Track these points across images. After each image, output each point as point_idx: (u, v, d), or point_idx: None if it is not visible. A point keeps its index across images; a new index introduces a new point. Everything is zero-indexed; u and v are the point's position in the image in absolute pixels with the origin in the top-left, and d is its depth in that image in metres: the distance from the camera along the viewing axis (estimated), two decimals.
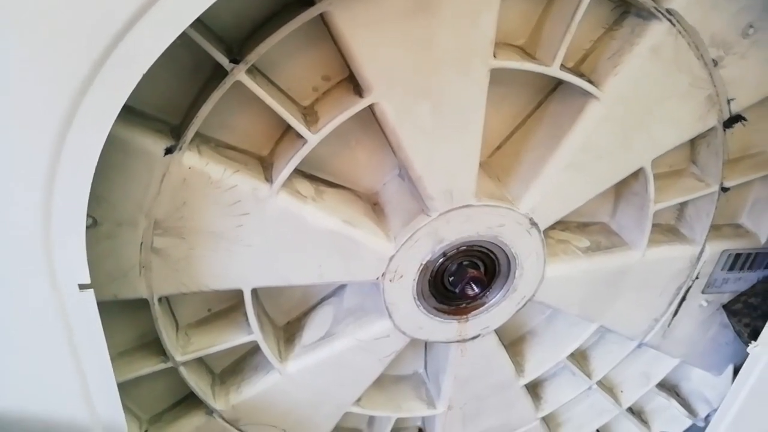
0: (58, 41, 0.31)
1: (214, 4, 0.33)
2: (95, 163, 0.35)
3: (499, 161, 0.55)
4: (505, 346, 0.66)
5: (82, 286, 0.37)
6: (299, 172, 0.49)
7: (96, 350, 0.41)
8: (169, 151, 0.42)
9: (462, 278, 0.54)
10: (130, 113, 0.41)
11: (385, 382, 0.68)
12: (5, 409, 0.41)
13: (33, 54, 0.31)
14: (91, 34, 0.32)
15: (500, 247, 0.54)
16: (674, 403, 0.79)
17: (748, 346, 0.64)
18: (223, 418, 0.58)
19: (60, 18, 0.31)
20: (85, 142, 0.34)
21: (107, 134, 0.35)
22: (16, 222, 0.35)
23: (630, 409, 0.79)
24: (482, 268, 0.55)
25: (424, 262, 0.52)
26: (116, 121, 0.35)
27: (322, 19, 0.41)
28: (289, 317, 0.60)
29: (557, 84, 0.53)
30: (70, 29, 0.31)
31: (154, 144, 0.41)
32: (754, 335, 0.65)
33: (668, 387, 0.81)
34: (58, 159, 0.34)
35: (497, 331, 0.63)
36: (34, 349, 0.39)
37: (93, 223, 0.42)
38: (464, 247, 0.53)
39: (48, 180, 0.34)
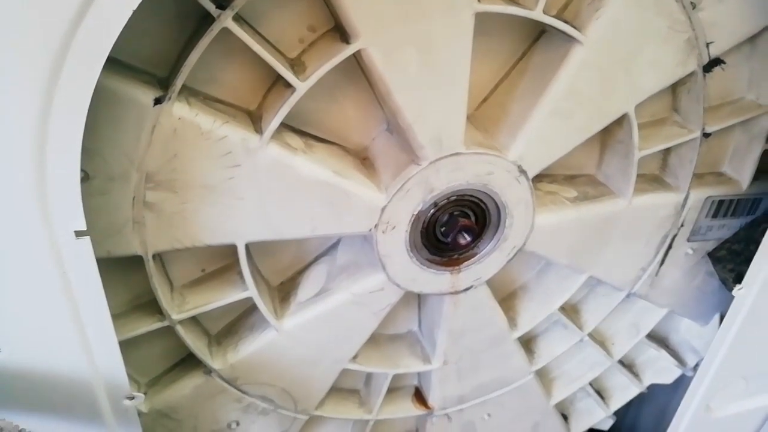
0: None
1: None
2: (86, 111, 0.35)
3: (486, 113, 0.56)
4: (498, 302, 0.67)
5: (78, 233, 0.37)
6: (288, 127, 0.50)
7: (94, 300, 0.41)
8: (158, 101, 0.42)
9: (453, 227, 0.54)
10: (118, 65, 0.41)
11: (380, 341, 0.68)
12: (6, 361, 0.41)
13: (16, 5, 0.31)
14: None
15: (490, 195, 0.55)
16: (664, 354, 0.81)
17: (731, 290, 0.66)
18: (222, 378, 0.59)
19: None
20: (74, 91, 0.35)
21: (95, 84, 0.35)
22: (11, 173, 0.35)
23: (621, 363, 0.81)
24: (473, 218, 0.56)
25: (415, 213, 0.53)
26: (105, 72, 0.35)
27: None
28: (283, 277, 0.61)
29: (540, 33, 0.53)
30: None
31: (143, 94, 0.41)
32: (739, 280, 0.67)
33: (658, 339, 0.82)
34: (49, 110, 0.34)
35: (490, 287, 0.64)
36: (33, 301, 0.40)
37: (85, 177, 0.42)
38: (454, 197, 0.54)
39: (40, 131, 0.34)
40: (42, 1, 0.31)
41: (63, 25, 0.33)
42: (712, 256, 0.71)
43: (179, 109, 0.43)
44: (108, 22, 0.33)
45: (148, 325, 0.53)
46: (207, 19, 0.42)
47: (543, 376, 0.79)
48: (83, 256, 0.39)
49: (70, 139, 0.35)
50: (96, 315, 0.42)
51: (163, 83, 0.43)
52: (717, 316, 0.79)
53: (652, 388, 0.84)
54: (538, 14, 0.47)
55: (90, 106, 0.35)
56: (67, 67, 0.34)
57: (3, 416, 0.44)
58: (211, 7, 0.40)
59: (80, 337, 0.42)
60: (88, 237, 0.38)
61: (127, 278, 0.52)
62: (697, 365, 0.81)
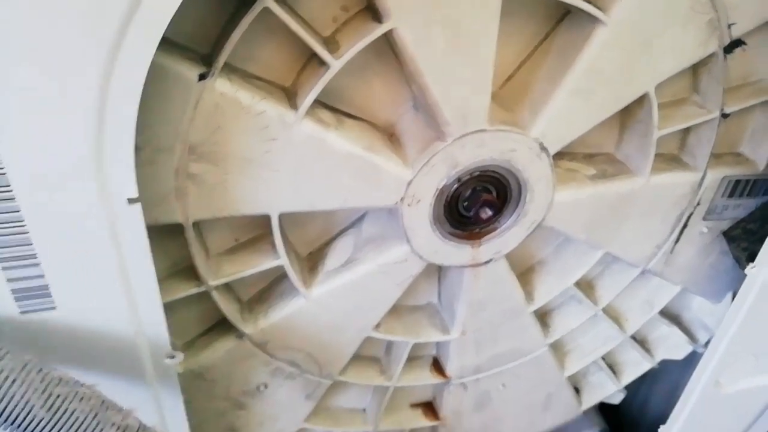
0: None
1: None
2: (141, 86, 0.38)
3: (510, 91, 0.57)
4: (516, 277, 0.70)
5: (130, 200, 0.40)
6: (321, 103, 0.52)
7: (142, 263, 0.44)
8: (202, 77, 0.44)
9: (476, 202, 0.57)
10: (166, 43, 0.43)
11: (401, 311, 0.71)
12: (61, 317, 0.44)
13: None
14: None
15: (512, 172, 0.57)
16: (676, 330, 0.83)
17: (744, 269, 0.68)
18: (253, 342, 0.62)
19: None
20: (131, 69, 0.37)
21: (150, 62, 0.38)
22: (73, 142, 0.38)
23: (634, 338, 0.83)
24: (495, 194, 0.58)
25: (440, 187, 0.55)
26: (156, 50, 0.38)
27: None
28: (312, 248, 0.64)
29: (564, 14, 0.55)
30: None
31: (189, 70, 0.44)
32: (752, 258, 0.69)
33: (670, 316, 0.84)
34: (108, 85, 0.37)
35: (509, 261, 0.67)
36: (87, 262, 0.43)
37: (135, 148, 0.45)
38: (477, 173, 0.56)
39: (101, 104, 0.37)
40: None
41: (123, 7, 0.35)
42: (727, 234, 0.73)
43: (221, 85, 0.45)
44: (162, 6, 0.36)
45: (186, 290, 0.56)
46: (248, 1, 0.44)
47: (557, 349, 0.81)
48: (134, 222, 0.42)
49: (127, 112, 0.38)
50: (143, 277, 0.45)
51: (206, 60, 0.46)
52: (729, 295, 0.81)
53: (664, 365, 0.86)
54: None
55: None
56: (126, 46, 0.36)
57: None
58: None
59: (128, 297, 0.46)
60: (140, 204, 0.41)
61: (167, 246, 0.55)
62: (708, 342, 0.83)
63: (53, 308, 0.44)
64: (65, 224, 0.41)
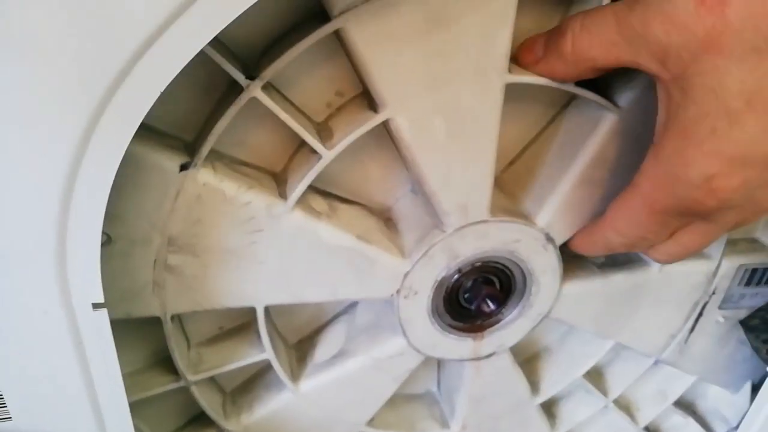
0: (77, 62, 0.31)
1: (230, 22, 0.33)
2: (111, 180, 0.35)
3: (513, 176, 0.55)
4: (519, 364, 0.65)
5: (95, 305, 0.37)
6: (312, 188, 0.49)
7: (108, 371, 0.40)
8: (184, 167, 0.41)
9: (477, 294, 0.53)
10: (145, 130, 0.41)
11: (397, 401, 0.67)
12: (17, 428, 0.40)
13: (51, 75, 0.31)
14: (109, 55, 0.31)
15: (516, 263, 0.53)
16: (691, 421, 0.78)
17: (766, 362, 0.63)
18: None
19: (78, 39, 0.31)
20: (102, 159, 0.34)
21: (124, 151, 0.35)
22: (30, 239, 0.35)
23: (646, 429, 0.78)
24: (498, 285, 0.55)
25: (438, 279, 0.52)
26: (132, 138, 0.35)
27: (337, 36, 0.41)
28: (301, 335, 0.60)
29: (570, 99, 0.52)
30: (89, 50, 0.31)
31: (169, 160, 0.41)
32: None
33: (685, 405, 0.79)
34: (75, 176, 0.34)
35: (513, 348, 0.62)
36: (46, 369, 0.39)
37: (107, 240, 0.42)
38: (479, 263, 0.53)
39: (65, 198, 0.34)
40: (82, 68, 0.31)
41: (98, 94, 0.32)
42: (745, 324, 0.69)
43: (204, 175, 0.42)
44: (141, 94, 0.33)
45: (163, 386, 0.52)
46: (236, 86, 0.41)
47: None
48: (100, 328, 0.38)
49: (94, 206, 0.35)
50: (109, 385, 0.41)
51: (189, 148, 0.43)
52: (749, 384, 0.76)
53: None
54: (569, 85, 0.46)
55: None
56: (98, 135, 0.33)
57: None
58: (241, 78, 0.40)
59: (92, 406, 0.41)
60: (105, 309, 0.37)
61: (144, 335, 0.52)
62: None
63: (8, 419, 0.40)
64: (22, 328, 0.37)
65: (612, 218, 0.48)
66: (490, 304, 0.53)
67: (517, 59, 0.46)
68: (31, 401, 0.40)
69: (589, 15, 0.41)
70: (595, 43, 0.41)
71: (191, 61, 0.33)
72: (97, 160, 0.34)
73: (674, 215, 0.44)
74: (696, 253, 0.49)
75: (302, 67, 0.44)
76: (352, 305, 0.59)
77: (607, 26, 0.40)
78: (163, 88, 0.34)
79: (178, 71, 0.33)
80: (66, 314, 0.36)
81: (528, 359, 0.69)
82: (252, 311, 0.51)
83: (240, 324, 0.56)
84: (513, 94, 0.47)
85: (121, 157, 0.35)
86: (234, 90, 0.42)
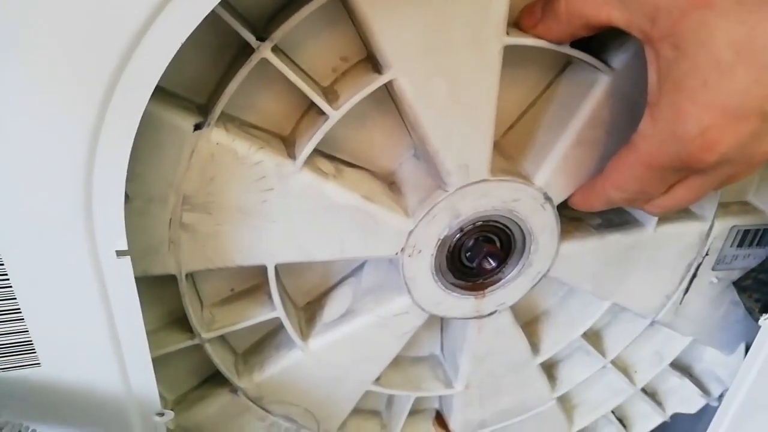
0: (96, 28, 0.33)
1: None
2: (132, 137, 0.37)
3: (513, 140, 0.57)
4: (521, 327, 0.68)
5: (119, 252, 0.39)
6: (319, 152, 0.51)
7: (131, 318, 0.42)
8: (198, 127, 0.43)
9: (479, 252, 0.55)
10: (161, 92, 0.43)
11: (402, 363, 0.69)
12: (45, 375, 0.42)
13: (74, 43, 0.33)
14: (125, 19, 0.33)
15: (516, 222, 0.55)
16: (687, 382, 0.80)
17: (759, 320, 0.65)
18: (248, 396, 0.60)
19: (95, 6, 0.32)
20: (122, 119, 0.36)
21: (142, 111, 0.37)
22: (60, 193, 0.37)
23: (644, 390, 0.80)
24: (498, 244, 0.57)
25: (441, 237, 0.54)
26: (149, 100, 0.37)
27: (342, 1, 0.43)
28: (309, 297, 0.62)
29: (566, 63, 0.54)
30: (105, 16, 0.33)
31: (184, 120, 0.43)
32: (765, 310, 0.67)
33: (681, 367, 0.82)
34: (98, 135, 0.36)
35: (514, 312, 0.65)
36: (73, 317, 0.41)
37: (126, 198, 0.44)
38: (480, 222, 0.55)
39: (89, 155, 0.36)
40: (100, 34, 0.33)
41: (115, 57, 0.34)
42: (738, 285, 0.71)
43: (217, 135, 0.44)
44: (156, 56, 0.35)
45: (178, 343, 0.54)
46: (246, 49, 0.43)
47: (565, 402, 0.78)
48: (123, 275, 0.40)
49: (117, 163, 0.37)
50: (132, 332, 0.43)
51: (202, 110, 0.45)
52: (743, 345, 0.78)
53: (676, 417, 0.83)
54: (565, 47, 0.48)
55: None
56: (117, 96, 0.35)
57: (38, 427, 0.46)
58: (252, 39, 0.42)
59: (116, 353, 0.44)
60: (129, 256, 0.40)
61: (160, 295, 0.54)
62: (721, 395, 0.80)
63: (38, 365, 0.42)
64: (51, 277, 0.39)
65: (612, 175, 0.50)
66: (491, 261, 0.55)
67: (518, 24, 0.48)
68: (59, 349, 0.42)
69: None
70: (589, 3, 0.43)
71: (202, 24, 0.35)
72: (118, 119, 0.36)
73: (672, 170, 0.46)
74: (689, 205, 0.50)
75: (308, 33, 0.46)
76: (358, 268, 0.62)
77: None
78: (176, 50, 0.36)
79: (190, 33, 0.35)
80: (92, 261, 0.38)
81: (528, 322, 0.72)
82: (262, 273, 0.54)
83: (251, 286, 0.59)
84: (512, 58, 0.49)
85: (140, 117, 0.37)
86: (244, 53, 0.44)
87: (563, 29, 0.46)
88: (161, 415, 0.50)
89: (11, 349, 0.41)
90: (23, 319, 0.40)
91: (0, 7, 0.31)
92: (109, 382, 0.45)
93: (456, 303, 0.59)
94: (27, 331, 0.41)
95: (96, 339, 0.42)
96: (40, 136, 0.35)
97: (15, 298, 0.39)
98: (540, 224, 0.56)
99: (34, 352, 0.42)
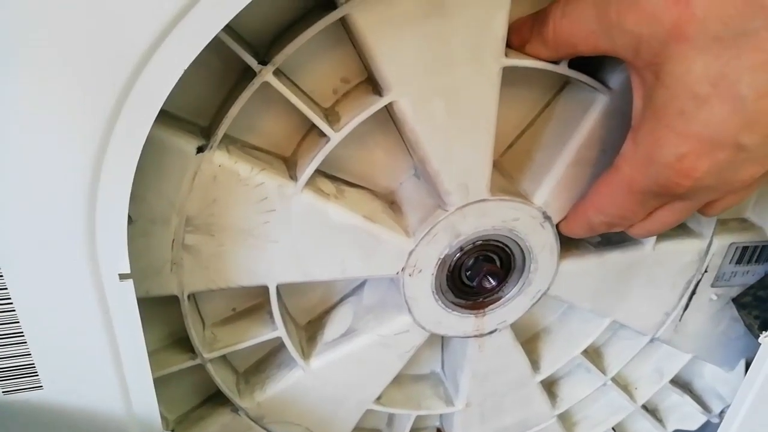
0: (97, 53, 0.33)
1: (241, 10, 0.35)
2: (137, 159, 0.37)
3: (512, 159, 0.57)
4: (521, 344, 0.68)
5: (122, 276, 0.39)
6: (320, 172, 0.52)
7: (133, 340, 0.43)
8: (200, 149, 0.44)
9: (479, 272, 0.55)
10: (164, 115, 0.43)
11: (403, 381, 0.69)
12: (47, 397, 0.42)
13: (80, 66, 0.34)
14: (130, 45, 0.34)
15: (515, 240, 0.56)
16: (688, 399, 0.80)
17: (758, 337, 0.66)
18: (249, 416, 0.60)
19: (102, 32, 0.33)
20: (126, 142, 0.37)
21: (146, 134, 0.37)
22: (63, 217, 0.37)
23: (645, 407, 0.80)
24: (498, 263, 0.57)
25: (441, 257, 0.54)
26: (153, 123, 0.37)
27: (342, 23, 0.43)
28: (311, 316, 0.62)
29: (564, 83, 0.55)
30: (111, 42, 0.33)
31: (187, 143, 0.44)
32: (765, 327, 0.67)
33: (681, 384, 0.82)
34: (102, 158, 0.36)
35: (513, 329, 0.65)
36: (76, 340, 0.41)
37: (128, 221, 0.44)
38: (480, 242, 0.55)
39: (94, 173, 0.36)
40: (106, 59, 0.34)
41: (120, 82, 0.35)
42: (737, 301, 0.71)
43: (219, 157, 0.45)
44: (161, 80, 0.36)
45: (180, 363, 0.54)
46: (248, 72, 0.44)
47: (565, 420, 0.78)
48: (126, 298, 0.40)
49: (120, 186, 0.37)
50: (134, 354, 0.43)
51: (204, 132, 0.46)
52: (743, 362, 0.78)
53: None
54: (562, 68, 0.49)
55: None
56: (122, 119, 0.36)
57: None
58: (254, 63, 0.42)
59: (118, 375, 0.44)
60: (131, 279, 0.40)
61: (162, 316, 0.54)
62: (722, 411, 0.80)
63: (40, 387, 0.42)
64: (53, 300, 0.39)
65: (593, 199, 0.51)
66: (491, 280, 0.55)
67: (508, 41, 0.49)
68: (62, 372, 0.42)
69: (570, 3, 0.44)
70: (575, 31, 0.44)
71: (206, 49, 0.36)
72: (122, 143, 0.37)
73: (651, 195, 0.47)
74: (672, 226, 0.51)
75: (310, 55, 0.47)
76: (359, 287, 0.62)
77: (586, 16, 0.42)
78: (181, 74, 0.36)
79: (194, 58, 0.36)
80: (94, 284, 0.39)
81: (528, 340, 0.72)
82: (264, 292, 0.54)
83: (252, 305, 0.59)
84: (511, 78, 0.50)
85: (144, 140, 0.37)
86: (246, 77, 0.44)
87: (551, 54, 0.46)
88: None
89: (13, 372, 0.41)
90: (26, 342, 0.40)
91: (8, 31, 0.31)
92: (110, 404, 0.45)
93: (456, 322, 0.59)
94: (29, 354, 0.41)
95: (98, 361, 0.42)
96: (45, 158, 0.35)
97: (18, 321, 0.39)
98: (539, 243, 0.56)
99: (36, 375, 0.42)
